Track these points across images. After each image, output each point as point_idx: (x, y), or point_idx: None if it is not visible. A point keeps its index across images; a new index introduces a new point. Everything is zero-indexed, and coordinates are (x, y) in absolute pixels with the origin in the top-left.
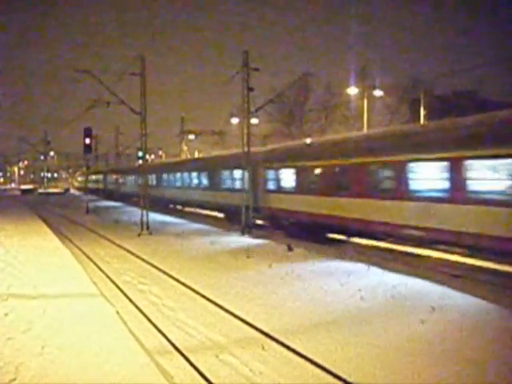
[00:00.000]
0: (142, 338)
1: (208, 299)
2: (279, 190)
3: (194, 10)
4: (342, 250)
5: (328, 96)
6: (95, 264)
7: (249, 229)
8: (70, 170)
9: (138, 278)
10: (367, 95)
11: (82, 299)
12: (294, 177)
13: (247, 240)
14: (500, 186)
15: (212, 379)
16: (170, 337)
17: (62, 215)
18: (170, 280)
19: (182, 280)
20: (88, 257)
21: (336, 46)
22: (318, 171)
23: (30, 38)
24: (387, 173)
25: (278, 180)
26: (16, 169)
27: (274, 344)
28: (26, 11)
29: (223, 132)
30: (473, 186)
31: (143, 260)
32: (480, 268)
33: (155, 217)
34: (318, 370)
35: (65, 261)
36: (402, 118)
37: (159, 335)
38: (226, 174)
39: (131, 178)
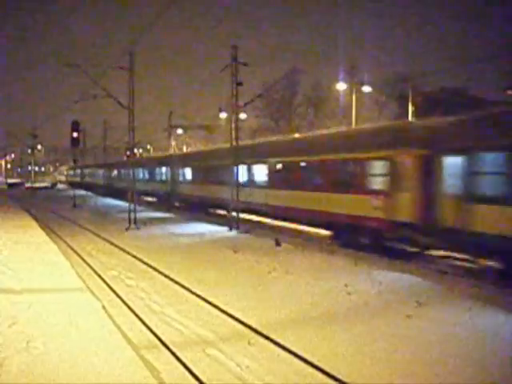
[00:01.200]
0: (129, 333)
1: (195, 294)
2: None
3: (182, 3)
4: (329, 246)
5: (316, 91)
6: (82, 258)
7: (236, 224)
8: (58, 164)
9: (125, 272)
10: (356, 91)
11: (68, 294)
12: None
13: (234, 235)
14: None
15: (199, 374)
16: (156, 332)
17: (49, 209)
18: (158, 275)
19: (170, 275)
20: (75, 251)
21: (325, 42)
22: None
23: (16, 31)
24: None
25: (183, 175)
26: (3, 162)
27: (261, 339)
28: (10, 5)
29: (211, 126)
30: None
31: (130, 254)
32: (466, 265)
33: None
34: (305, 366)
35: (51, 255)
36: (390, 114)
37: (146, 330)
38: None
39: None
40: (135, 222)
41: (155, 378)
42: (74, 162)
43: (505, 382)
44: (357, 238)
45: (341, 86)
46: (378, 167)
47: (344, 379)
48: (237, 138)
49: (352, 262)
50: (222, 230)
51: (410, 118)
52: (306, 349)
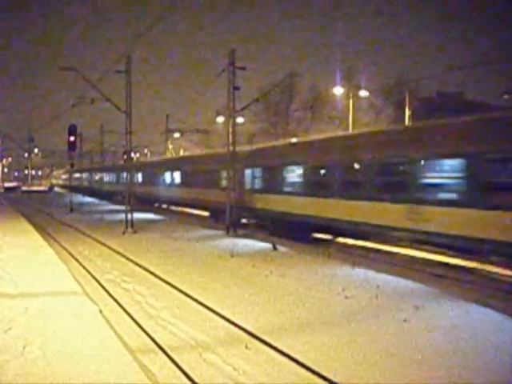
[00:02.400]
0: (126, 337)
1: (192, 298)
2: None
3: (179, 7)
4: (326, 250)
5: (314, 96)
6: (79, 262)
7: (233, 227)
8: (54, 168)
9: (121, 276)
10: (353, 95)
11: (65, 298)
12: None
13: (231, 239)
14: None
15: (195, 378)
16: (153, 336)
17: (45, 213)
18: (154, 279)
19: (166, 279)
20: (72, 255)
21: (322, 47)
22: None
23: (13, 35)
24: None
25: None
26: None
27: (257, 343)
28: (7, 8)
29: (208, 130)
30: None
31: (127, 258)
32: (463, 268)
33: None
34: (302, 370)
35: (48, 259)
36: (387, 119)
37: (143, 334)
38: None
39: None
40: (132, 226)
41: (152, 382)
42: (71, 165)
43: None
44: (222, 217)
45: (338, 90)
46: (224, 175)
47: (341, 383)
48: (234, 143)
49: (349, 266)
50: (218, 234)
51: (406, 122)
52: (303, 353)
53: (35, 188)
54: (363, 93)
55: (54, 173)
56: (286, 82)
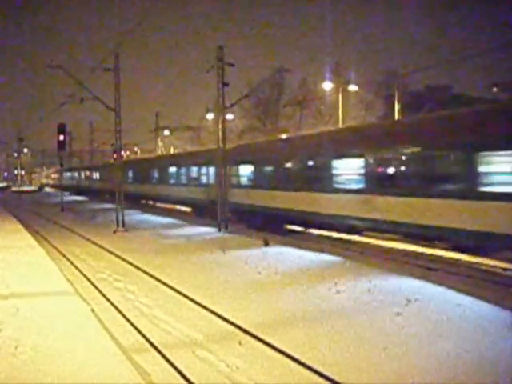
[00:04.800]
0: (118, 336)
1: (184, 295)
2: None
3: (168, 3)
4: (319, 244)
5: (303, 91)
6: (70, 262)
7: (224, 224)
8: (44, 167)
9: (113, 275)
10: (342, 90)
11: (57, 298)
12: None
13: (223, 235)
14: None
15: (189, 376)
16: (146, 334)
17: (36, 213)
18: (146, 277)
19: (158, 276)
20: (63, 255)
21: (311, 42)
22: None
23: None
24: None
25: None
26: None
27: (251, 339)
28: None
29: (198, 127)
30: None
31: (119, 257)
32: (457, 261)
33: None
34: (296, 365)
35: (39, 259)
36: (377, 113)
37: (135, 332)
38: None
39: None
40: (123, 225)
41: (145, 381)
42: (61, 165)
43: (502, 381)
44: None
45: (327, 86)
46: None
47: (335, 378)
48: (224, 139)
49: (342, 261)
50: (210, 231)
51: (396, 116)
52: (297, 348)
53: (25, 188)
54: (353, 87)
55: (44, 173)
56: (275, 78)
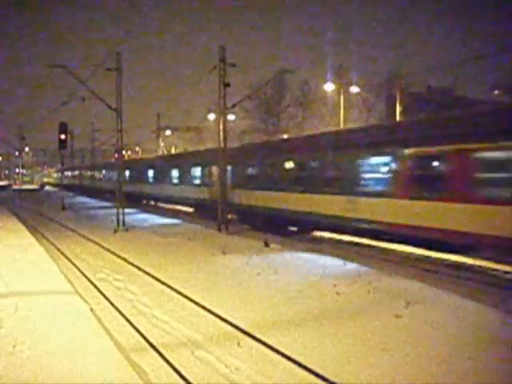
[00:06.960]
0: (117, 336)
1: (184, 296)
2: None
3: (170, 4)
4: (318, 246)
5: (305, 92)
6: (70, 261)
7: (225, 224)
8: (46, 166)
9: (113, 274)
10: (344, 91)
11: (56, 297)
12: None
13: (224, 236)
14: None
15: (187, 376)
16: (145, 334)
17: (37, 212)
18: (146, 277)
19: (158, 276)
20: (63, 254)
21: (313, 43)
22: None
23: (1, 33)
24: None
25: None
26: None
27: (250, 340)
28: None
29: (199, 128)
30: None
31: (119, 257)
32: (456, 264)
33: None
34: (295, 366)
35: (39, 258)
36: (378, 115)
37: (134, 332)
38: None
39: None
40: (124, 224)
41: (143, 381)
42: (62, 164)
43: (501, 381)
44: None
45: (329, 87)
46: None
47: (333, 379)
48: (225, 140)
49: (341, 262)
50: (211, 232)
51: (397, 117)
52: (295, 349)
53: (26, 187)
54: (354, 89)
55: (45, 171)
56: (277, 79)
